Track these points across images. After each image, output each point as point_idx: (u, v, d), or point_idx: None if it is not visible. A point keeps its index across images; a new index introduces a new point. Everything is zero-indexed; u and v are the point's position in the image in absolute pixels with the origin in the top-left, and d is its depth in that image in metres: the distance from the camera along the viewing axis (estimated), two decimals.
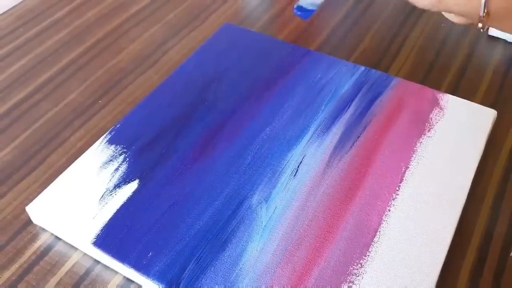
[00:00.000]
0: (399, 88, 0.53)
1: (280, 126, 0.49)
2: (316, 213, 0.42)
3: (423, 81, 0.56)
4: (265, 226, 0.42)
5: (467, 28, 0.62)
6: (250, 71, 0.55)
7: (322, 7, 0.68)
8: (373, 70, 0.55)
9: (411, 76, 0.56)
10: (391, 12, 0.67)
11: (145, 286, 0.39)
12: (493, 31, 0.61)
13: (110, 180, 0.45)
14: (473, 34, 0.62)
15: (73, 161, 0.47)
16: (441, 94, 0.52)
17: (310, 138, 0.48)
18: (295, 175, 0.45)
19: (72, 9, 0.68)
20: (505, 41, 0.60)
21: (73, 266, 0.42)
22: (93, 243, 0.41)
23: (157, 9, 0.68)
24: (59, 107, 0.55)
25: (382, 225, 0.41)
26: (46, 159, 0.50)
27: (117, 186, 0.45)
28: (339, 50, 0.61)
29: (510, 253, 0.42)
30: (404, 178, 0.45)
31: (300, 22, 0.66)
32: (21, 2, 0.69)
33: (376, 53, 0.61)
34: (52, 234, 0.44)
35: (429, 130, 0.48)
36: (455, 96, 0.51)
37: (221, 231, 0.41)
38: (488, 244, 0.42)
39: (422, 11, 0.66)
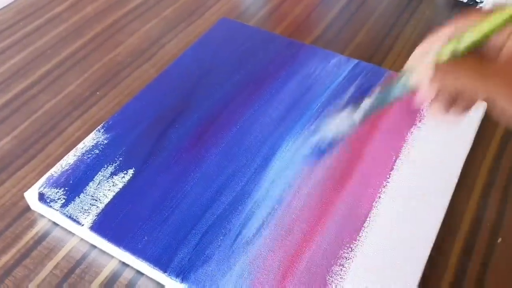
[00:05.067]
0: (391, 80, 0.54)
1: (274, 117, 0.50)
2: (308, 199, 0.43)
3: None
4: (258, 211, 0.42)
5: None
6: (245, 64, 0.56)
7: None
8: (366, 63, 0.56)
9: None
10: (386, 7, 0.68)
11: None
12: None
13: (107, 167, 0.46)
14: None
15: (71, 150, 0.48)
16: None
17: (304, 128, 0.49)
18: (288, 163, 0.46)
19: (71, 4, 0.69)
20: None
21: (70, 251, 0.42)
22: (90, 227, 0.41)
23: (155, 4, 0.69)
24: (57, 98, 0.56)
25: (372, 211, 0.42)
26: (44, 149, 0.50)
27: (114, 173, 0.45)
28: (334, 44, 0.62)
29: (498, 240, 0.43)
30: (394, 167, 0.46)
31: (296, 16, 0.67)
32: None
33: (370, 47, 0.61)
34: (49, 220, 0.44)
35: (419, 121, 0.49)
36: None
37: (214, 217, 0.42)
38: (477, 231, 0.43)
39: (416, 7, 0.67)
